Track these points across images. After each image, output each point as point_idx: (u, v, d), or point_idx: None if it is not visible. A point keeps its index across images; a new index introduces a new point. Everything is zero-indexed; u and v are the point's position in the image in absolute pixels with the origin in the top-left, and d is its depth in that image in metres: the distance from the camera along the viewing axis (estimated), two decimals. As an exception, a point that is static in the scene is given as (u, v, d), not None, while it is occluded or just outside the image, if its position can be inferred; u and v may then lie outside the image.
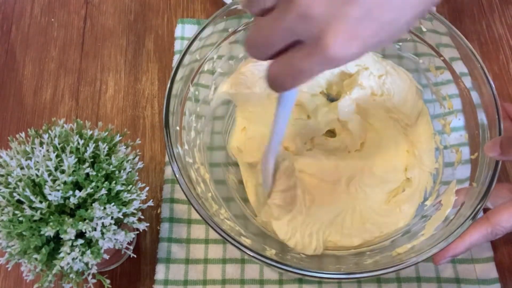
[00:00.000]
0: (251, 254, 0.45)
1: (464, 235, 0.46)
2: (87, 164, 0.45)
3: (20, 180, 0.44)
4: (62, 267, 0.43)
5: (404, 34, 0.54)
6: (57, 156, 0.45)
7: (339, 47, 0.29)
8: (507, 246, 0.58)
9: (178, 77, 0.53)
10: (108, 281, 0.47)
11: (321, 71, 0.32)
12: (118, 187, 0.45)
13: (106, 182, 0.45)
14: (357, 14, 0.28)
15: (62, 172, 0.44)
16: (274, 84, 0.33)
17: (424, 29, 0.56)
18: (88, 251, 0.43)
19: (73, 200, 0.43)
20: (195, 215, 0.58)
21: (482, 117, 0.52)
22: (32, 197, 0.42)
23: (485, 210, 0.50)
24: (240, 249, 0.45)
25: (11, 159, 0.45)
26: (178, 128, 0.52)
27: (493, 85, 0.51)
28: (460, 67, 0.54)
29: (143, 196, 0.47)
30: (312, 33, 0.29)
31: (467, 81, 0.54)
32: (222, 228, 0.46)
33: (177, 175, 0.48)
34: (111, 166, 0.46)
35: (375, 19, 0.29)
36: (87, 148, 0.45)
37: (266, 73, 0.33)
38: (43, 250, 0.42)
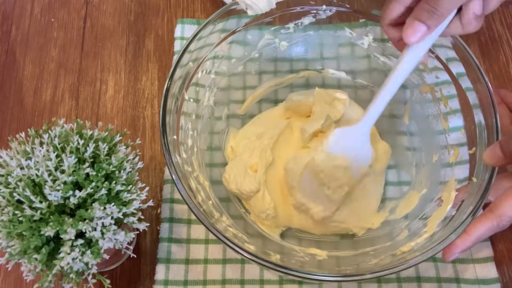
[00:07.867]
0: (258, 261, 0.45)
1: (470, 230, 0.46)
2: (87, 164, 0.45)
3: (20, 180, 0.44)
4: (62, 267, 0.43)
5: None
6: (57, 156, 0.45)
7: None
8: (507, 245, 0.58)
9: (176, 76, 0.52)
10: (108, 281, 0.47)
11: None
12: (118, 187, 0.45)
13: (106, 182, 0.45)
14: None
15: (62, 172, 0.44)
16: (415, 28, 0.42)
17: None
18: (88, 251, 0.43)
19: (73, 200, 0.43)
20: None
21: (478, 113, 0.52)
22: (32, 197, 0.42)
23: (485, 206, 0.49)
24: (245, 256, 0.45)
25: (11, 159, 0.45)
26: (175, 137, 0.52)
27: (489, 84, 0.51)
28: (456, 67, 0.54)
29: (143, 196, 0.47)
30: None
31: (464, 81, 0.53)
32: (226, 236, 0.46)
33: (177, 186, 0.48)
34: (111, 166, 0.46)
35: None
36: (87, 148, 0.45)
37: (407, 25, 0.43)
38: (43, 250, 0.42)
